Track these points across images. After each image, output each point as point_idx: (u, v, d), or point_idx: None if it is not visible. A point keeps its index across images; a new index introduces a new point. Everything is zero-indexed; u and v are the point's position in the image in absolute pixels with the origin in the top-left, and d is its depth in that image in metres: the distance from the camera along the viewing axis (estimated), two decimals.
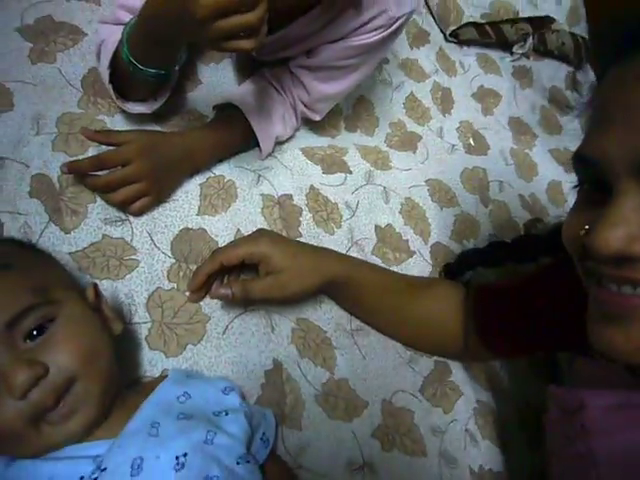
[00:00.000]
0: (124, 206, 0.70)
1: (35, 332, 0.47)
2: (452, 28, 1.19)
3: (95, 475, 0.45)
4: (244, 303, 0.72)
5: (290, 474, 0.64)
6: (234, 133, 0.80)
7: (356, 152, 0.94)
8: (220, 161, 0.81)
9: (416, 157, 1.01)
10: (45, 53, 0.79)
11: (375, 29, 0.76)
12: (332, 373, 0.74)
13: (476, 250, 0.87)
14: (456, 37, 1.22)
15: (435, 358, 0.82)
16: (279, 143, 0.87)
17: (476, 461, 0.77)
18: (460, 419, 0.80)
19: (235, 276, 0.71)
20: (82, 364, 0.48)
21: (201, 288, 0.69)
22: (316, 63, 0.81)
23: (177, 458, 0.47)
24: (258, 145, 0.82)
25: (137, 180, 0.68)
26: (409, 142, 1.02)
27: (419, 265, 0.88)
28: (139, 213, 0.71)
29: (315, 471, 0.66)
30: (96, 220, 0.69)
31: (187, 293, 0.70)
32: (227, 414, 0.56)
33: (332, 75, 0.82)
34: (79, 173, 0.68)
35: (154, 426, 0.50)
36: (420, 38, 1.20)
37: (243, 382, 0.67)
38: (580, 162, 0.45)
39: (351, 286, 0.74)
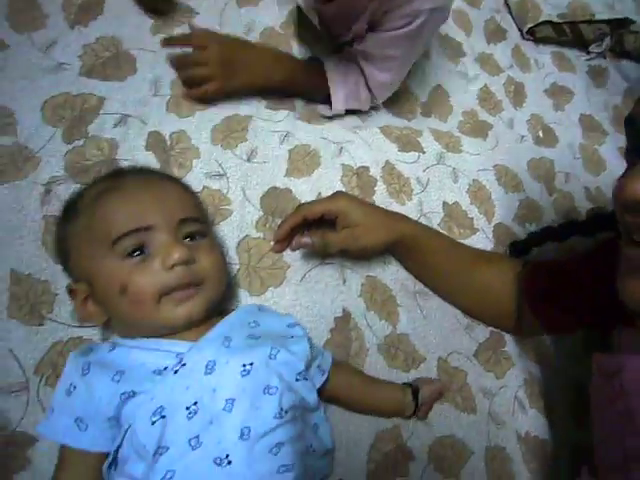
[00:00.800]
0: (188, 84, 0.83)
1: (189, 238, 0.60)
2: (529, 26, 1.23)
3: (177, 367, 0.54)
4: (321, 256, 0.79)
5: (353, 368, 0.73)
6: (308, 75, 0.91)
7: (430, 135, 1.00)
8: (289, 96, 0.94)
9: (486, 144, 1.05)
10: (164, 26, 0.91)
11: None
12: (394, 327, 0.80)
13: (546, 227, 0.91)
14: (532, 35, 1.26)
15: (491, 328, 0.86)
16: (360, 120, 0.95)
17: (523, 426, 0.80)
18: (510, 386, 0.83)
19: (315, 229, 0.79)
20: (215, 273, 0.60)
21: (285, 239, 0.77)
22: (369, 49, 0.89)
23: (244, 365, 0.55)
24: (329, 103, 0.92)
25: (206, 64, 0.80)
26: (480, 130, 1.07)
27: (481, 242, 0.93)
28: (200, 96, 0.83)
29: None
30: (199, 173, 0.79)
31: (272, 243, 0.78)
32: (292, 337, 0.63)
33: (381, 64, 0.90)
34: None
35: (227, 339, 0.58)
36: (497, 35, 1.25)
37: (315, 325, 0.74)
38: (628, 124, 0.50)
39: (417, 247, 0.79)
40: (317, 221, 0.76)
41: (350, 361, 0.75)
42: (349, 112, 0.97)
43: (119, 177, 0.63)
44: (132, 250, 0.56)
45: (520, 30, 1.27)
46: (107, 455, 0.54)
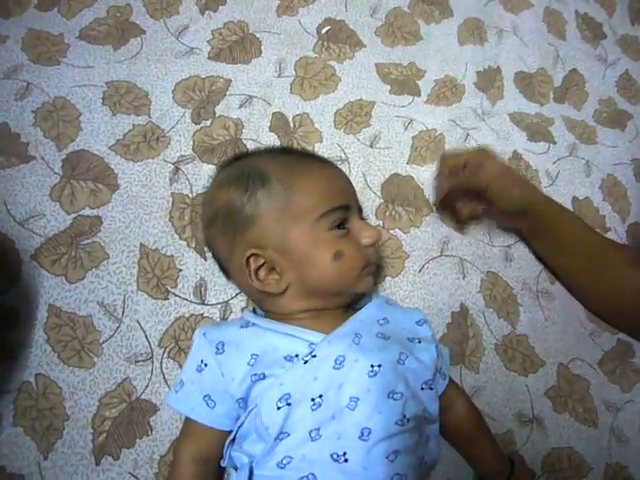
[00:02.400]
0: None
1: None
2: None
3: (307, 357, 0.52)
4: (441, 249, 0.76)
5: (471, 403, 0.66)
6: None
7: (562, 124, 0.92)
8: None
9: (624, 135, 0.95)
10: (289, 7, 0.89)
11: None
12: (514, 327, 0.74)
13: None
14: None
15: (618, 335, 0.78)
16: (489, 104, 0.89)
17: None
18: (638, 401, 0.75)
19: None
20: None
21: (445, 203, 0.76)
22: None
23: (372, 366, 0.52)
24: None
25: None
26: (618, 120, 0.96)
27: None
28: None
29: (486, 413, 0.68)
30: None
31: (391, 231, 0.75)
32: (420, 342, 0.59)
33: None
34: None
35: (357, 336, 0.55)
36: None
37: (431, 318, 0.70)
38: None
39: (551, 223, 0.74)
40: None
41: (465, 360, 0.70)
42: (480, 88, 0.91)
43: (295, 154, 0.65)
44: (338, 224, 0.57)
45: None
46: (230, 432, 0.54)
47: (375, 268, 0.63)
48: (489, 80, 0.93)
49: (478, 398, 0.69)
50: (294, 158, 0.61)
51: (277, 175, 0.57)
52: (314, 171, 0.59)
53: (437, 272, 0.74)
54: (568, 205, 0.84)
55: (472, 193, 0.73)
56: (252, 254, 0.56)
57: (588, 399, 0.74)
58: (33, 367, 0.59)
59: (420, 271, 0.74)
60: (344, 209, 0.58)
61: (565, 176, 0.87)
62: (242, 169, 0.59)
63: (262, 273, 0.57)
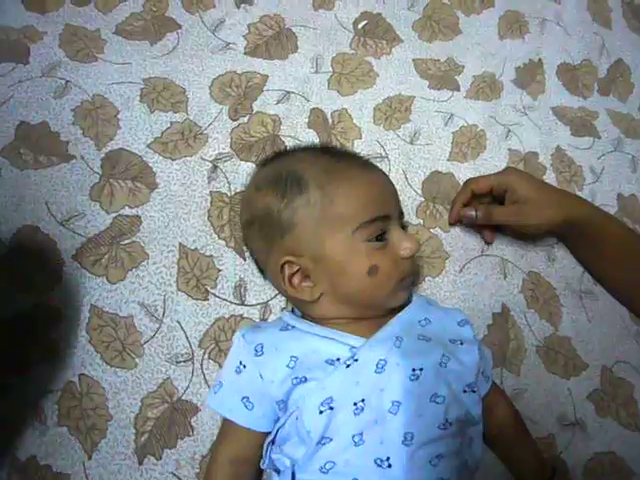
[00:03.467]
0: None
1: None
2: None
3: (349, 362, 0.51)
4: (482, 248, 0.74)
5: (513, 407, 0.65)
6: None
7: (607, 117, 0.88)
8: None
9: None
10: (325, 1, 0.86)
11: None
12: (556, 329, 0.72)
13: None
14: None
15: None
16: (531, 98, 0.86)
17: None
18: None
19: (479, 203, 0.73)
20: None
21: (457, 217, 0.73)
22: None
23: (414, 370, 0.51)
24: None
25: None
26: None
27: None
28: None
29: (527, 416, 0.66)
30: (360, 154, 0.75)
31: (431, 230, 0.73)
32: (462, 344, 0.58)
33: None
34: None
35: (398, 339, 0.54)
36: None
37: (472, 319, 0.67)
38: None
39: (592, 233, 0.71)
40: (485, 196, 0.71)
41: (506, 362, 0.69)
42: (520, 85, 0.88)
43: (338, 156, 0.61)
44: (376, 236, 0.55)
45: None
46: (268, 433, 0.54)
47: (412, 281, 0.61)
48: (530, 75, 0.90)
49: (519, 401, 0.67)
50: (334, 161, 0.59)
51: (315, 181, 0.55)
52: (354, 177, 0.57)
53: (478, 272, 0.73)
54: (613, 202, 0.81)
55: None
56: (287, 261, 0.55)
57: (632, 403, 0.72)
58: (77, 367, 0.59)
59: (461, 271, 0.72)
60: (383, 219, 0.56)
61: (610, 172, 0.83)
62: (280, 172, 0.58)
63: (296, 280, 0.56)
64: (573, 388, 0.70)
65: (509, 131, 0.81)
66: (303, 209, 0.55)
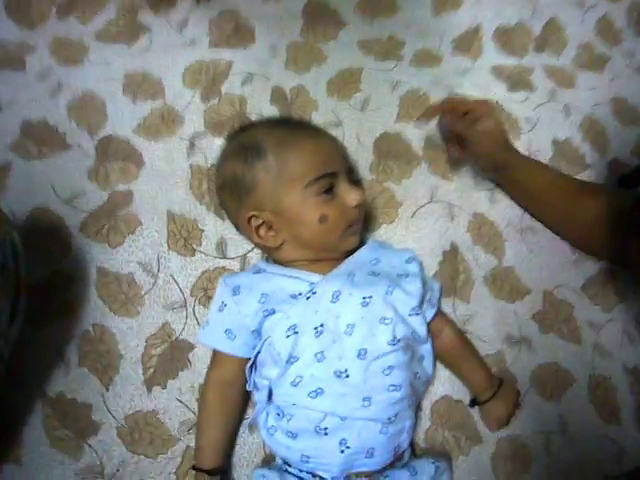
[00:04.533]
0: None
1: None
2: None
3: (309, 295, 0.63)
4: (430, 196, 0.84)
5: (457, 330, 0.75)
6: None
7: (542, 72, 0.97)
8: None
9: (602, 77, 0.99)
10: None
11: None
12: (500, 261, 0.82)
13: None
14: None
15: (601, 263, 0.84)
16: (471, 62, 0.96)
17: (631, 359, 0.79)
18: (619, 319, 0.82)
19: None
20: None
21: (428, 118, 0.84)
22: None
23: (364, 298, 0.62)
24: None
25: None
26: (597, 63, 1.01)
27: (593, 179, 0.90)
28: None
29: (478, 337, 0.77)
30: (317, 124, 0.85)
31: (384, 184, 0.84)
32: (407, 277, 0.69)
33: None
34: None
35: (351, 275, 0.66)
36: None
37: (424, 258, 0.79)
38: None
39: (522, 178, 0.80)
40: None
41: (457, 292, 0.79)
42: (459, 53, 0.97)
43: (291, 125, 0.73)
44: (324, 190, 0.65)
45: None
46: (248, 359, 0.65)
47: (360, 227, 0.71)
48: (467, 42, 0.99)
49: (471, 324, 0.78)
50: (287, 130, 0.69)
51: (271, 148, 0.65)
52: (303, 142, 0.67)
53: (428, 217, 0.83)
54: (548, 147, 0.91)
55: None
56: (252, 215, 0.66)
57: (572, 320, 0.81)
58: (90, 318, 0.72)
59: (412, 217, 0.83)
60: (330, 176, 0.66)
61: (545, 120, 0.93)
62: (243, 142, 0.68)
63: (262, 231, 0.67)
64: (518, 310, 0.80)
65: (451, 91, 0.91)
66: (262, 172, 0.65)
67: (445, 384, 0.74)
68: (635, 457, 0.74)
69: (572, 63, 1.00)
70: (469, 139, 0.78)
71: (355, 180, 0.75)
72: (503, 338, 0.78)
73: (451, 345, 0.72)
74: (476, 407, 0.73)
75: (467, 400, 0.73)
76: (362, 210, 0.70)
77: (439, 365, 0.74)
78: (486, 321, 0.79)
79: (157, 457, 0.67)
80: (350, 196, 0.67)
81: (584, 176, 0.90)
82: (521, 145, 0.89)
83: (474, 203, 0.85)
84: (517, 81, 0.95)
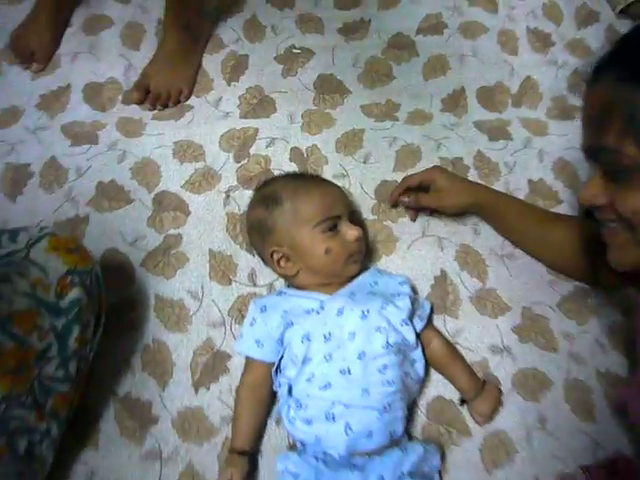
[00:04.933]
0: None
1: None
2: (620, 7, 1.25)
3: (319, 310, 0.80)
4: (422, 231, 1.00)
5: (444, 341, 0.88)
6: None
7: (519, 123, 1.13)
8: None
9: (573, 124, 1.13)
10: (290, 69, 1.19)
11: None
12: (484, 283, 0.96)
13: None
14: (626, 13, 1.26)
15: (575, 283, 0.94)
16: (456, 118, 1.13)
17: (603, 364, 0.89)
18: (592, 331, 0.91)
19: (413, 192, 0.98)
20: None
21: (395, 202, 1.00)
22: None
23: (363, 312, 0.78)
24: None
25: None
26: (568, 113, 1.15)
27: (566, 212, 1.02)
28: None
29: (466, 347, 0.89)
30: (328, 175, 1.04)
31: (384, 222, 1.01)
32: (399, 295, 0.84)
33: None
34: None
35: (352, 294, 0.82)
36: (589, 18, 1.29)
37: (419, 282, 0.95)
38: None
39: (496, 211, 0.95)
40: (417, 188, 0.97)
41: (447, 310, 0.93)
42: (446, 111, 1.15)
43: (304, 178, 0.92)
44: (329, 228, 0.82)
45: (613, 10, 1.28)
46: (273, 364, 0.81)
47: (361, 257, 0.86)
48: (454, 101, 1.16)
49: (459, 337, 0.91)
50: (301, 182, 0.88)
51: (287, 197, 0.83)
52: (313, 192, 0.84)
53: (421, 248, 0.99)
54: (524, 186, 1.05)
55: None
56: (274, 250, 0.84)
57: (548, 332, 0.92)
58: (150, 334, 0.90)
59: (408, 249, 0.99)
60: (334, 218, 0.82)
61: (521, 164, 1.07)
62: (265, 193, 0.88)
63: (282, 263, 0.85)
64: (500, 324, 0.92)
65: (440, 144, 1.08)
66: (280, 216, 0.83)
67: (438, 386, 0.87)
68: (608, 449, 0.83)
69: (546, 114, 1.16)
70: (435, 204, 0.95)
71: (358, 220, 0.93)
72: (487, 347, 0.90)
73: (440, 353, 0.86)
74: (465, 405, 0.85)
75: (457, 399, 0.86)
76: (361, 243, 0.85)
77: (432, 370, 0.87)
78: (472, 334, 0.91)
79: (203, 444, 0.83)
80: (348, 232, 0.82)
81: (558, 209, 1.03)
82: (501, 186, 1.05)
83: (461, 236, 1.00)
84: (497, 132, 1.11)
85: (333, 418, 0.74)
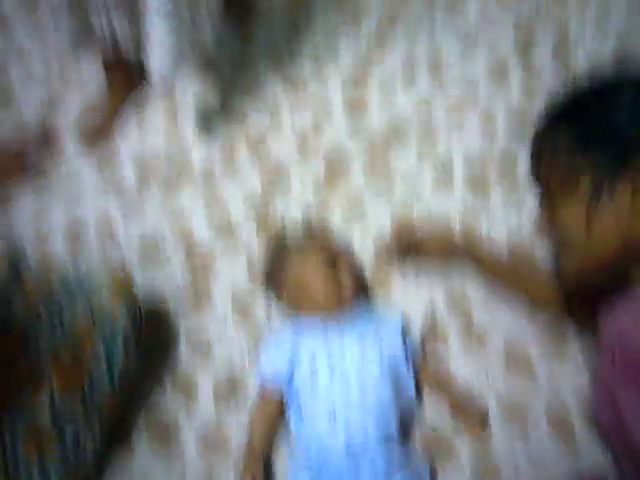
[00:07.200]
0: None
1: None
2: None
3: (323, 338, 0.97)
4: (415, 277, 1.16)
5: (433, 366, 1.04)
6: None
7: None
8: None
9: None
10: None
11: None
12: (470, 319, 1.09)
13: None
14: None
15: (554, 317, 1.02)
16: None
17: (583, 388, 0.98)
18: (572, 361, 1.03)
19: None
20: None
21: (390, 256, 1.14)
22: None
23: (360, 339, 0.97)
24: None
25: None
26: None
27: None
28: None
29: (454, 372, 1.05)
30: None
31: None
32: (392, 328, 1.02)
33: None
34: None
35: (352, 326, 0.99)
36: None
37: (412, 319, 1.09)
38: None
39: (476, 262, 1.07)
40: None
41: (437, 341, 1.08)
42: None
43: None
44: None
45: None
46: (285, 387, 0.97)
47: (349, 292, 1.00)
48: None
49: (447, 363, 1.06)
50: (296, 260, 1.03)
51: (291, 265, 1.02)
52: (303, 264, 1.02)
53: (414, 292, 1.13)
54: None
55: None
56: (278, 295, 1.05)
57: (529, 358, 1.05)
58: (180, 361, 1.08)
59: (402, 292, 1.15)
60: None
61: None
62: (277, 261, 1.06)
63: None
64: (486, 353, 1.06)
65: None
66: (286, 278, 1.03)
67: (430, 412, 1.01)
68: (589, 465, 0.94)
69: None
70: (421, 253, 1.11)
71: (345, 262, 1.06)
72: (474, 373, 1.05)
73: (430, 378, 1.02)
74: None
75: (449, 421, 0.99)
76: (351, 286, 1.01)
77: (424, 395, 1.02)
78: (460, 365, 1.06)
79: (225, 455, 0.99)
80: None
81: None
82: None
83: (449, 282, 1.13)
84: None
85: (334, 418, 0.89)
